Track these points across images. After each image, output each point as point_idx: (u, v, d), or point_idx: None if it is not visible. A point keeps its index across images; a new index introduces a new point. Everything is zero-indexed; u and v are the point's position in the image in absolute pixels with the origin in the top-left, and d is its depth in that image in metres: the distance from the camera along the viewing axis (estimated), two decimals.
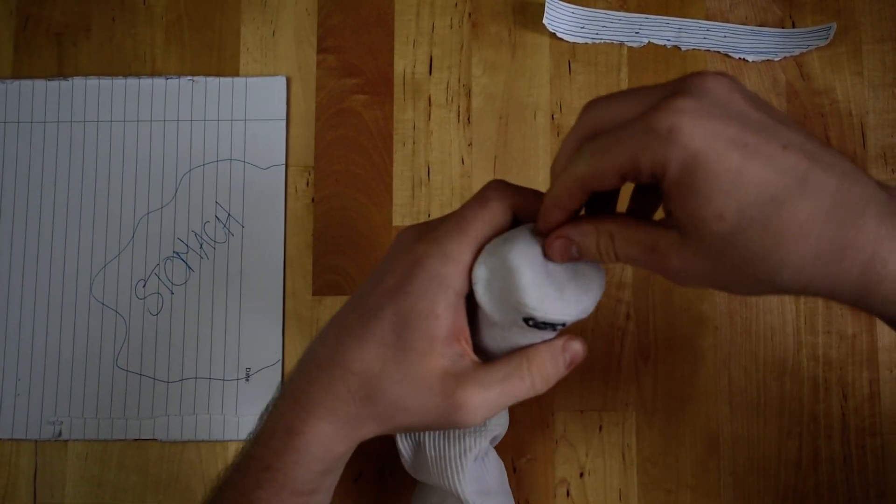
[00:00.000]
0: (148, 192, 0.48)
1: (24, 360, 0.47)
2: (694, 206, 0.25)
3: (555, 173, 0.30)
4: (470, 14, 0.49)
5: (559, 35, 0.48)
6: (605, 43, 0.48)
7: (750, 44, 0.48)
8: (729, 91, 0.26)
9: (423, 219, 0.47)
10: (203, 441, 0.46)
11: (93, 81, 0.49)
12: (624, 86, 0.48)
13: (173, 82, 0.49)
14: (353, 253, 0.47)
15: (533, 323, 0.30)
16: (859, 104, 0.47)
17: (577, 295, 0.31)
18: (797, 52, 0.48)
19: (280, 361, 0.46)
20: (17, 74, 0.49)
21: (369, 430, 0.33)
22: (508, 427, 0.41)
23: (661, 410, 0.45)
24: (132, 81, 0.49)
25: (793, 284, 0.26)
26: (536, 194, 0.32)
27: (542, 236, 0.31)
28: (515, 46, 0.49)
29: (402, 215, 0.47)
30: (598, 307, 0.46)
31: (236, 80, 0.49)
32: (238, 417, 0.46)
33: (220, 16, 0.50)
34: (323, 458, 0.32)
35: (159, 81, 0.49)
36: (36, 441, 0.46)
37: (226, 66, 0.49)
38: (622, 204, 0.32)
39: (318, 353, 0.33)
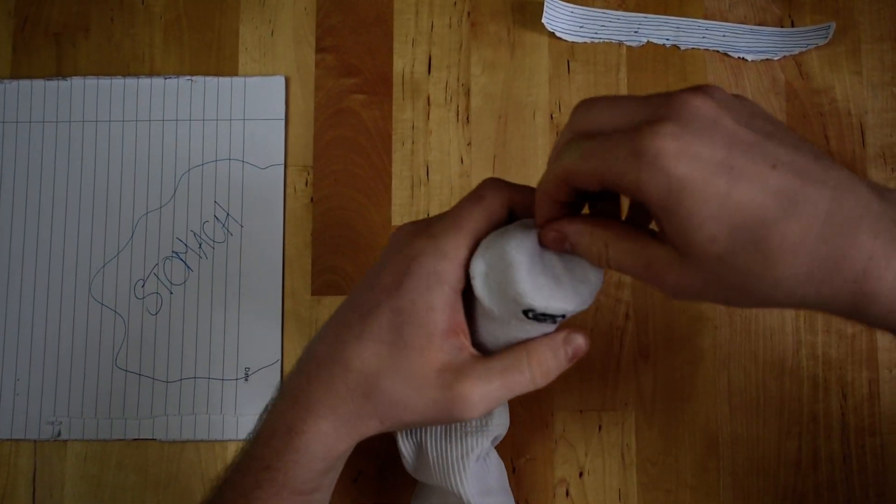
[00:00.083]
0: (147, 192, 0.48)
1: (23, 360, 0.47)
2: (684, 229, 0.25)
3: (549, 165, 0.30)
4: (469, 13, 0.49)
5: (558, 34, 0.48)
6: (603, 42, 0.48)
7: (749, 43, 0.48)
8: (716, 110, 0.26)
9: (422, 218, 0.47)
10: (202, 441, 0.46)
11: (91, 81, 0.49)
12: (623, 85, 0.48)
13: (172, 82, 0.49)
14: (352, 253, 0.47)
15: (532, 315, 0.30)
16: (858, 103, 0.47)
17: (575, 286, 0.31)
18: (796, 51, 0.48)
19: (279, 361, 0.46)
20: (16, 74, 0.49)
21: (370, 428, 0.33)
22: (508, 427, 0.41)
23: (661, 410, 0.45)
24: (131, 81, 0.49)
25: (788, 301, 0.26)
26: (531, 190, 0.32)
27: (540, 229, 0.31)
28: (514, 46, 0.49)
29: (401, 215, 0.47)
30: (598, 307, 0.46)
31: (235, 79, 0.49)
32: (237, 417, 0.46)
33: (219, 16, 0.49)
34: (324, 456, 0.32)
35: (158, 81, 0.49)
36: (35, 441, 0.46)
37: (224, 65, 0.49)
38: (623, 203, 0.32)
39: (317, 352, 0.33)
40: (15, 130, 0.49)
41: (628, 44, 0.48)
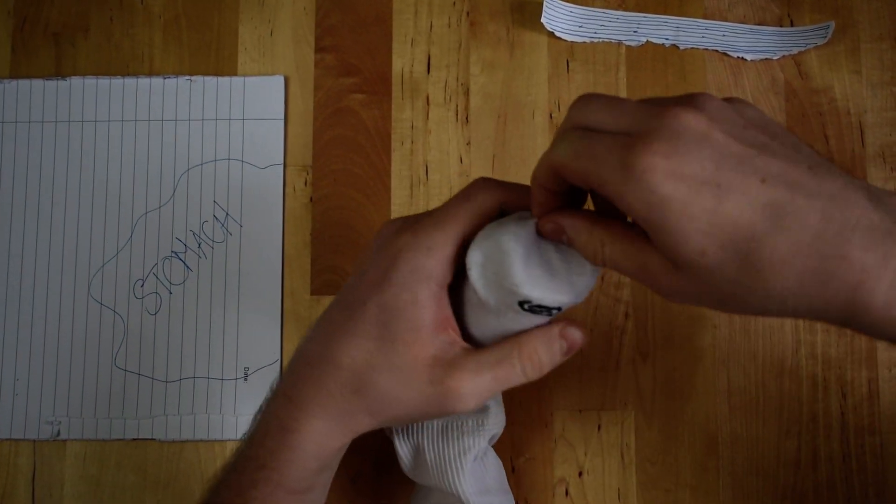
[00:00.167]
0: (146, 192, 0.48)
1: (22, 360, 0.47)
2: (672, 242, 0.25)
3: None
4: (468, 13, 0.49)
5: (557, 34, 0.48)
6: (603, 42, 0.48)
7: (748, 43, 0.48)
8: (707, 125, 0.25)
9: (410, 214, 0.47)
10: (202, 441, 0.46)
11: (91, 81, 0.49)
12: (622, 85, 0.48)
13: (171, 82, 0.49)
14: (351, 252, 0.47)
15: (528, 307, 0.30)
16: (857, 103, 0.47)
17: (571, 278, 0.31)
18: (795, 50, 0.48)
19: (278, 361, 0.46)
20: (15, 74, 0.49)
21: (362, 424, 0.33)
22: (506, 426, 0.41)
23: (660, 410, 0.45)
24: (130, 81, 0.49)
25: (781, 311, 0.26)
26: (522, 188, 0.32)
27: (537, 219, 0.31)
28: (514, 45, 0.49)
29: (401, 214, 0.47)
30: (597, 306, 0.46)
31: (234, 79, 0.49)
32: (237, 417, 0.46)
33: (218, 15, 0.50)
34: (317, 454, 0.32)
35: (157, 81, 0.49)
36: (34, 441, 0.46)
37: (224, 65, 0.49)
38: None
39: (307, 351, 0.34)
40: (14, 130, 0.49)
41: (628, 43, 0.48)
